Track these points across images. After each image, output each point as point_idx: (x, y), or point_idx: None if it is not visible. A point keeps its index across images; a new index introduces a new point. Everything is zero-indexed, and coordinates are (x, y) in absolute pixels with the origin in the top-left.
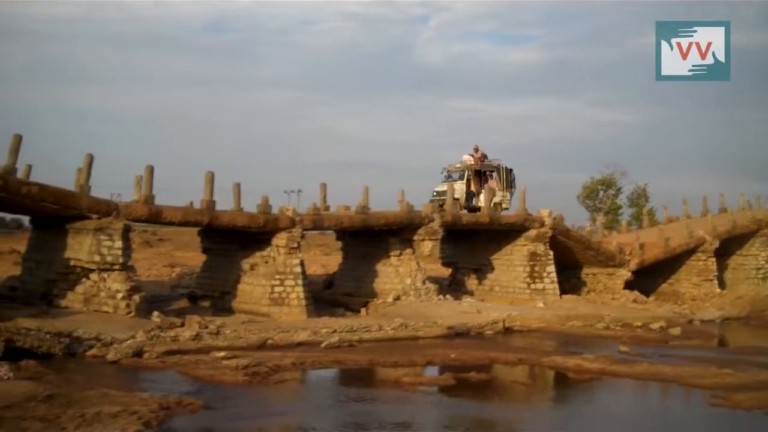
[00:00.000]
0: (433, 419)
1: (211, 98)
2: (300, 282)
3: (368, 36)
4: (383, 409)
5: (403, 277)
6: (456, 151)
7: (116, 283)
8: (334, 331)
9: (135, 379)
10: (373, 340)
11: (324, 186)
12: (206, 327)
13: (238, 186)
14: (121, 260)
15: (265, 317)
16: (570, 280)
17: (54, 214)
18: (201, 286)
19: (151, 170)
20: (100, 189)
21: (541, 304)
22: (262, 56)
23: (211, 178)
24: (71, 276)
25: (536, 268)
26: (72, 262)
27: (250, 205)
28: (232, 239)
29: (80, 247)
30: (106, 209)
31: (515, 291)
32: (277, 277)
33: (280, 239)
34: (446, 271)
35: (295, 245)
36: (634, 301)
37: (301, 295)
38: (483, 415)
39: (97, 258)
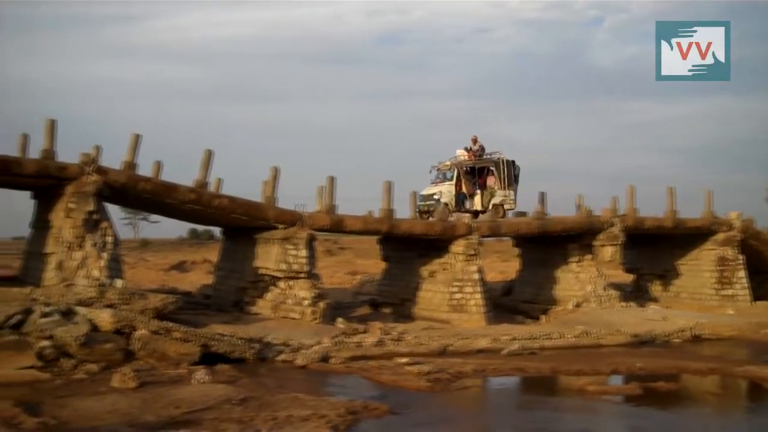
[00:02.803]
0: (620, 429)
1: (388, 110)
2: (479, 289)
3: (542, 41)
4: (567, 417)
5: (583, 284)
6: (634, 154)
7: (302, 290)
8: (515, 339)
9: (322, 383)
10: (555, 347)
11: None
12: (388, 333)
13: (414, 195)
14: (306, 268)
15: (445, 324)
16: (763, 285)
17: (243, 224)
18: (382, 293)
19: (332, 181)
20: (285, 200)
21: (731, 311)
22: (436, 66)
23: (389, 188)
24: (260, 284)
25: (725, 274)
26: (261, 271)
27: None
28: (410, 247)
29: (268, 256)
30: (292, 219)
31: (703, 297)
32: (456, 284)
33: (457, 246)
34: (628, 277)
35: (473, 252)
36: None
37: (480, 302)
38: (671, 425)
39: (283, 266)
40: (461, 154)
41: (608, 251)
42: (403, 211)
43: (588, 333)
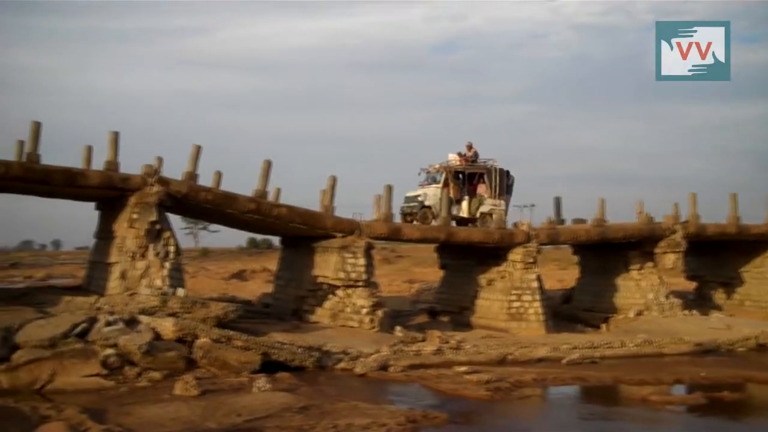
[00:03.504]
0: None
1: (445, 116)
2: (537, 297)
3: (599, 45)
4: (630, 428)
5: (644, 292)
6: (695, 158)
7: (360, 299)
8: (575, 348)
9: (381, 391)
10: (616, 356)
11: (558, 200)
12: (447, 342)
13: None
14: (364, 277)
15: (504, 333)
16: None
17: (301, 234)
18: (440, 301)
19: (389, 189)
20: (343, 209)
21: None
22: (492, 72)
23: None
24: (319, 292)
25: None
26: (319, 279)
27: None
28: (468, 255)
29: (326, 265)
30: (349, 228)
31: None
32: (514, 292)
33: (515, 254)
34: (690, 285)
35: (531, 260)
36: None
37: (539, 310)
38: None
39: (342, 275)
40: (453, 159)
41: (670, 258)
42: None
43: (650, 342)
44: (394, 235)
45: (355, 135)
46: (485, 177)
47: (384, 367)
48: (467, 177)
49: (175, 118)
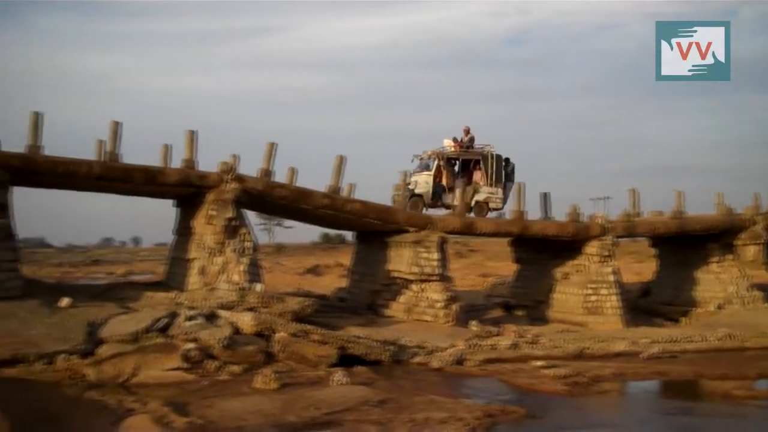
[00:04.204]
0: None
1: (514, 110)
2: (614, 291)
3: None
4: (712, 423)
5: (725, 285)
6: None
7: (435, 293)
8: (654, 342)
9: (458, 386)
10: (697, 351)
11: (634, 192)
12: (522, 336)
13: (545, 195)
14: (438, 271)
15: (580, 327)
16: None
17: (375, 228)
18: (514, 295)
19: (463, 184)
20: None
21: None
22: (560, 65)
23: (520, 189)
24: (393, 287)
25: None
26: (393, 274)
27: (559, 214)
28: (543, 248)
29: (400, 260)
30: (423, 223)
31: None
32: (591, 285)
33: (591, 247)
34: None
35: (608, 253)
36: None
37: (616, 304)
38: None
39: (415, 269)
40: (448, 145)
41: (751, 250)
42: (536, 211)
43: (732, 336)
44: (467, 230)
45: (426, 131)
46: (481, 164)
47: (460, 362)
48: (462, 164)
49: (250, 116)
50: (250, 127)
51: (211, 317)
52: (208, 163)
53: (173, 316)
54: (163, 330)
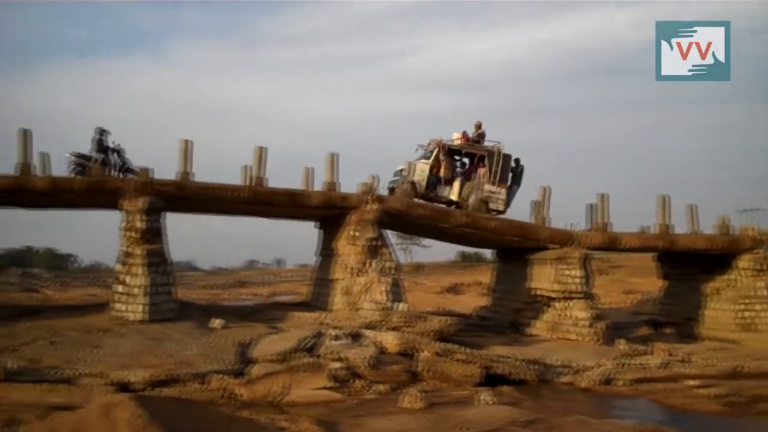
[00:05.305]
0: None
1: (655, 120)
2: None
3: None
4: None
5: None
6: None
7: (579, 311)
8: None
9: (607, 406)
10: None
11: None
12: (673, 354)
13: (693, 208)
14: (581, 288)
15: (733, 344)
16: None
17: (515, 246)
18: (662, 312)
19: (604, 198)
20: (555, 219)
21: None
22: None
23: (664, 202)
24: (535, 304)
25: None
26: (535, 291)
27: (705, 227)
28: (691, 263)
29: (542, 277)
30: (564, 239)
31: None
32: (743, 301)
33: (743, 261)
34: None
35: (761, 267)
36: None
37: None
38: None
39: (558, 287)
40: (456, 137)
41: None
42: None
43: None
44: (611, 245)
45: (561, 144)
46: (486, 161)
47: (608, 381)
48: (465, 158)
49: (386, 137)
50: (387, 149)
51: (355, 337)
52: (348, 184)
53: (319, 336)
54: (310, 350)
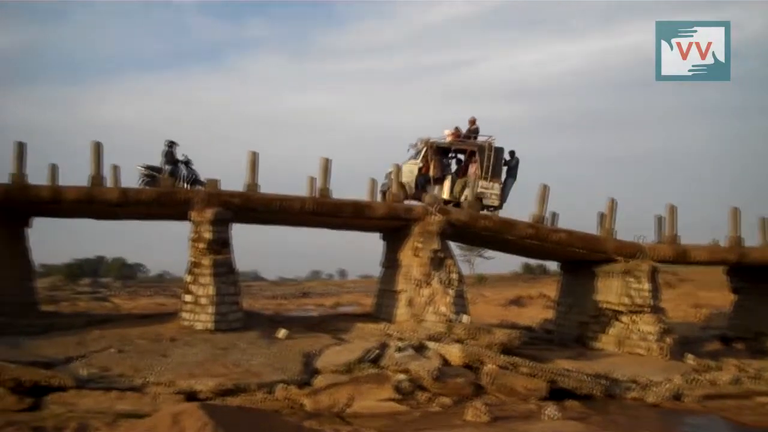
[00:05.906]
0: None
1: (724, 129)
2: None
3: None
4: None
5: None
6: None
7: (647, 325)
8: None
9: (677, 422)
10: None
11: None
12: (744, 370)
13: (766, 221)
14: (649, 302)
15: None
16: None
17: (580, 258)
18: (732, 327)
19: (673, 210)
20: (622, 232)
21: None
22: None
23: (736, 215)
24: (602, 318)
25: None
26: (602, 305)
27: None
28: (763, 277)
29: (608, 290)
30: (632, 251)
31: None
32: None
33: None
34: None
35: None
36: None
37: None
38: None
39: (625, 300)
40: (447, 134)
41: None
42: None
43: None
44: (680, 258)
45: (626, 154)
46: (477, 156)
47: (677, 397)
48: (457, 155)
49: None
50: None
51: (419, 348)
52: None
53: (383, 347)
54: (375, 361)
